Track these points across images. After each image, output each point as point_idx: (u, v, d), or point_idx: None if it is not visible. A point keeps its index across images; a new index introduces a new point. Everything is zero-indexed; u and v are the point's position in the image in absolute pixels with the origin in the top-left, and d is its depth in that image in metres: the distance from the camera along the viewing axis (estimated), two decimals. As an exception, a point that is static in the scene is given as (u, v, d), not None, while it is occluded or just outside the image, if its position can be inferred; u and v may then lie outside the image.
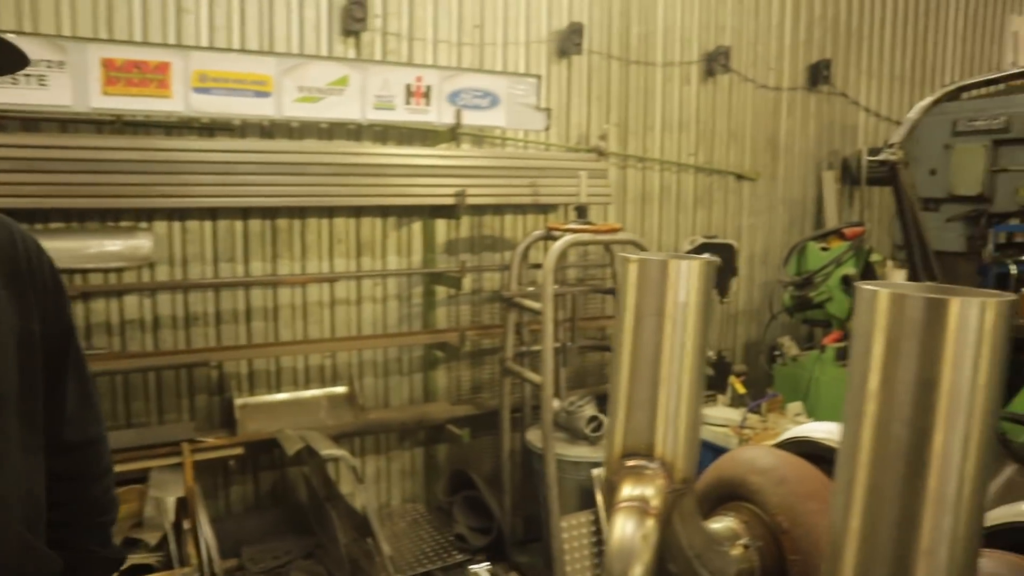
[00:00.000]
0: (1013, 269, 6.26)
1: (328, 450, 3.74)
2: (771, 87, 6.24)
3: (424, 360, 4.88)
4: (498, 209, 4.95)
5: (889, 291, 0.74)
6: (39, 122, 3.76)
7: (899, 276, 5.80)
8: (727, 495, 1.46)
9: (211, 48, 3.94)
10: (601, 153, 5.03)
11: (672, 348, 1.11)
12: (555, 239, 4.07)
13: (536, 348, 4.64)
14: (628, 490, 1.22)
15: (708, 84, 5.85)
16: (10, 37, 1.16)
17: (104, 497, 1.48)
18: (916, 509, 0.73)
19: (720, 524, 1.35)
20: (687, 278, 1.09)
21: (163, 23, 3.96)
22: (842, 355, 4.98)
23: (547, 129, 4.85)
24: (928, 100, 1.98)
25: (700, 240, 5.02)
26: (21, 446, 1.23)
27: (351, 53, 4.40)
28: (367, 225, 4.61)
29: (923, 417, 0.72)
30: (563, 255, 4.54)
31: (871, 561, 0.79)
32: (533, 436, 4.40)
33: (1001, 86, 7.12)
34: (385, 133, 4.54)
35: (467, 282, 4.88)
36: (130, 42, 3.79)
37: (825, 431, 1.40)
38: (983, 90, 7.42)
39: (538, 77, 4.72)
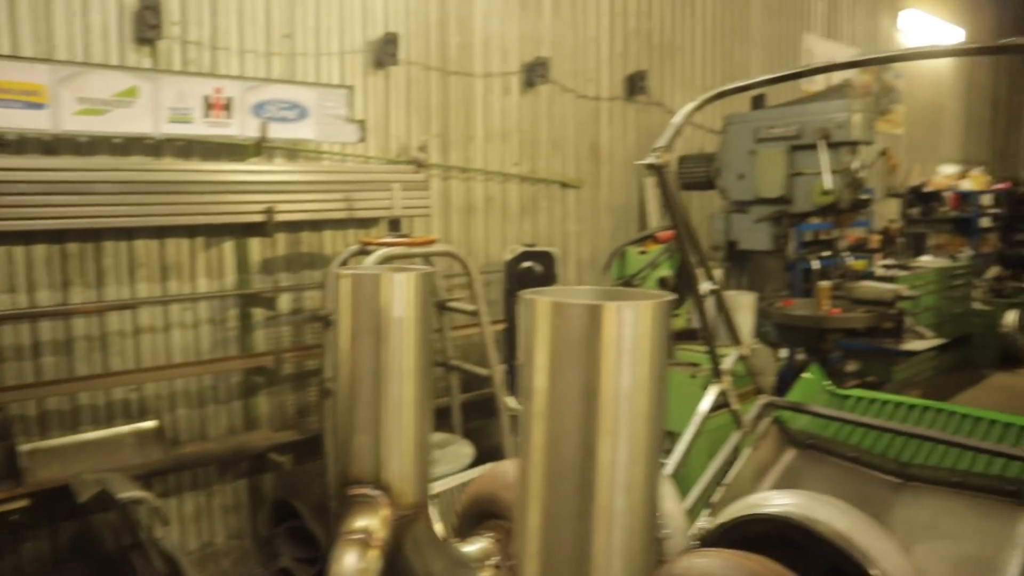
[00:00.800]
0: (815, 264, 6.77)
1: (126, 492, 3.42)
2: (591, 97, 6.43)
3: (243, 386, 4.62)
4: (316, 225, 4.78)
5: (549, 300, 0.71)
6: None
7: (719, 276, 6.13)
8: (485, 513, 1.41)
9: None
10: (421, 165, 4.97)
11: (391, 367, 1.04)
12: (369, 254, 3.96)
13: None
14: (351, 521, 1.14)
15: (529, 95, 5.94)
16: None
17: None
18: (588, 525, 0.69)
19: (473, 546, 1.30)
20: (402, 292, 1.02)
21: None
22: (663, 354, 5.16)
23: (361, 141, 4.74)
24: (691, 106, 2.06)
25: (520, 248, 5.06)
26: None
27: (146, 62, 4.10)
28: (172, 246, 4.31)
29: (588, 431, 0.68)
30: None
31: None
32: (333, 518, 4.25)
33: (798, 95, 7.69)
34: (189, 148, 4.27)
35: (285, 302, 4.70)
36: None
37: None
38: (782, 99, 8.00)
39: (349, 88, 4.60)
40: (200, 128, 4.07)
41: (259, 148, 4.28)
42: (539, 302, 0.72)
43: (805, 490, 1.58)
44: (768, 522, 1.37)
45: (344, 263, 4.30)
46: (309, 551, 4.30)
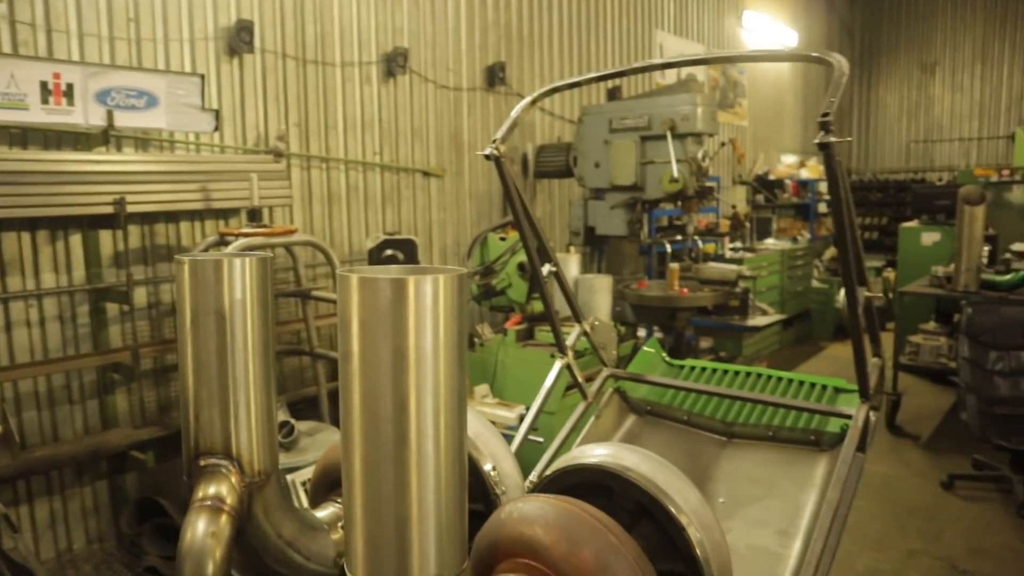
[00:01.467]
0: (668, 247, 7.19)
1: (-29, 498, 3.28)
2: (451, 87, 6.54)
3: (98, 384, 4.47)
4: (172, 216, 4.67)
5: (359, 275, 0.82)
6: None
7: (573, 260, 6.41)
8: (334, 482, 1.51)
9: None
10: (279, 154, 4.94)
11: (234, 345, 1.12)
12: (228, 244, 3.93)
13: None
14: (202, 490, 1.22)
15: (389, 84, 5.99)
16: None
17: None
18: (404, 469, 0.80)
19: (324, 511, 1.39)
20: (242, 275, 1.11)
21: None
22: (523, 336, 5.38)
23: (216, 130, 4.65)
24: (526, 100, 2.21)
25: (382, 237, 5.13)
26: None
27: (-28, 47, 3.89)
28: (10, 240, 4.11)
29: (400, 386, 0.79)
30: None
31: (377, 532, 0.84)
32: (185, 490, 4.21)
33: (651, 88, 8.11)
34: (24, 136, 4.07)
35: (140, 295, 4.57)
36: None
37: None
38: (633, 92, 8.40)
39: (201, 76, 4.51)
40: (37, 115, 3.89)
41: (106, 137, 4.13)
42: (351, 277, 0.82)
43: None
44: (585, 471, 1.53)
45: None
46: (176, 548, 4.23)
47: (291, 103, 5.31)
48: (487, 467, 1.64)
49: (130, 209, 4.12)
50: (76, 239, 4.32)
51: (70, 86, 3.97)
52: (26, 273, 4.15)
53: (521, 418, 4.48)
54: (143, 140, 4.51)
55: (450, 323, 0.85)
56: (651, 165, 6.21)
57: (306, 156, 5.44)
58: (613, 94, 8.12)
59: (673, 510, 1.30)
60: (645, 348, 3.29)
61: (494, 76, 6.87)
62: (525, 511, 1.27)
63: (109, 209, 4.07)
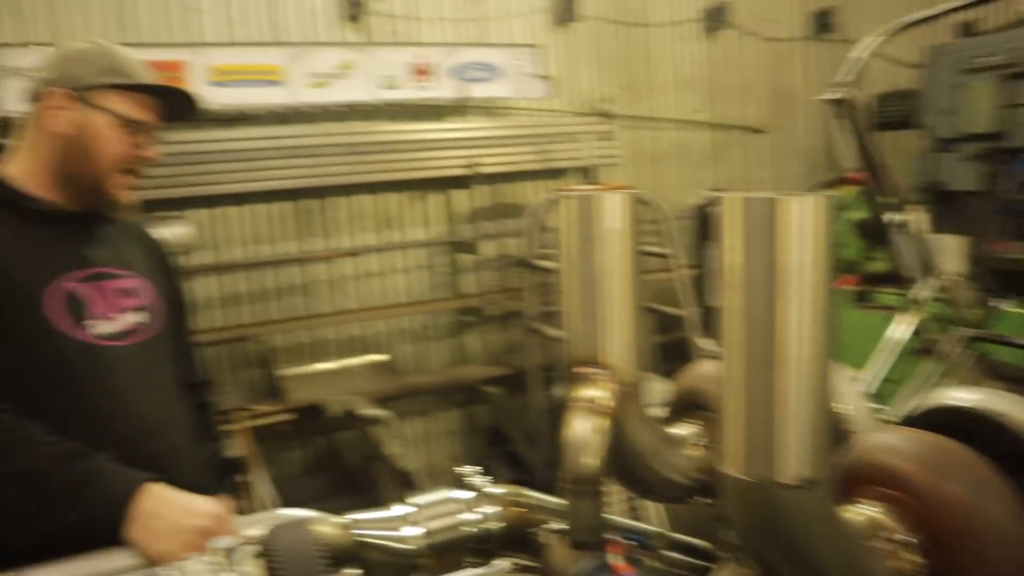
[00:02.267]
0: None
1: (367, 410, 4.00)
2: (775, 39, 6.29)
3: (456, 325, 5.10)
4: (510, 177, 5.13)
5: (740, 196, 0.94)
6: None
7: (922, 218, 5.87)
8: (688, 405, 1.64)
9: (221, 44, 4.23)
10: (607, 116, 5.17)
11: (606, 267, 1.29)
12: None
13: (559, 308, 4.84)
14: (580, 392, 1.41)
15: (711, 40, 5.93)
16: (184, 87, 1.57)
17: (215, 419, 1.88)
18: (771, 368, 0.91)
19: (682, 429, 1.52)
20: (612, 208, 1.26)
21: (174, 24, 4.26)
22: (860, 298, 5.08)
23: (551, 96, 5.00)
24: (876, 38, 2.12)
25: (707, 195, 5.15)
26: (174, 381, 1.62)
27: (357, 37, 4.61)
28: (387, 200, 4.84)
29: (770, 293, 0.91)
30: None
31: (752, 406, 0.96)
32: (562, 391, 4.60)
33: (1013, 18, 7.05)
34: (397, 111, 4.75)
35: (489, 248, 5.11)
36: (144, 43, 4.06)
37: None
38: (993, 24, 7.35)
39: (536, 47, 4.87)
40: (408, 92, 4.53)
41: (459, 108, 4.67)
42: (733, 199, 0.95)
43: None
44: (950, 413, 1.48)
45: (541, 212, 4.62)
46: (521, 473, 4.75)
47: (616, 65, 5.51)
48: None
49: (479, 171, 4.63)
50: (435, 198, 4.95)
51: (431, 65, 4.55)
52: (399, 228, 4.87)
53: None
54: (487, 109, 5.00)
55: (817, 242, 0.92)
56: (1019, 109, 5.44)
57: (632, 117, 5.61)
58: (968, 29, 7.19)
59: None
60: (1007, 308, 2.99)
61: (823, 23, 6.45)
62: (887, 441, 1.27)
63: (462, 171, 4.61)
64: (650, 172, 5.73)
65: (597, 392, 1.44)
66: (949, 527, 1.05)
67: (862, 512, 1.17)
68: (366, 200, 4.80)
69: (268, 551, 0.99)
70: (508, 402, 5.00)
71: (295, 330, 4.59)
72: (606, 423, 1.42)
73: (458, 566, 1.30)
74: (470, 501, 1.23)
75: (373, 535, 1.20)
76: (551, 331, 4.48)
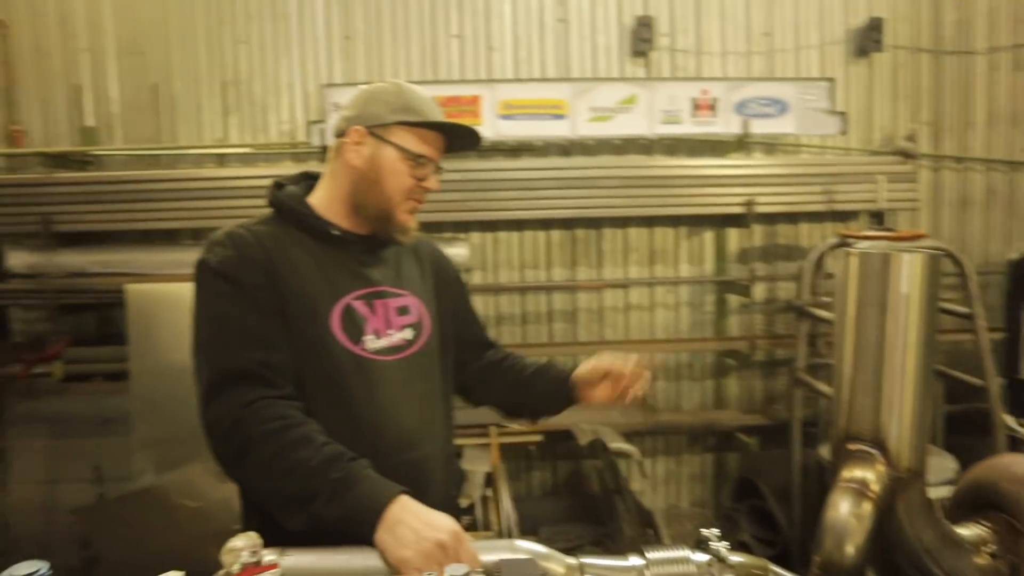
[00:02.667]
0: None
1: (616, 444, 4.00)
2: None
3: (715, 367, 4.96)
4: (791, 217, 4.88)
5: (855, 250, 1.11)
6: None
7: None
8: (982, 503, 1.38)
9: (513, 80, 4.52)
10: (908, 155, 4.73)
11: (895, 337, 1.13)
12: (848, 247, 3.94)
13: (831, 360, 4.50)
14: (848, 472, 1.24)
15: (1047, 70, 5.18)
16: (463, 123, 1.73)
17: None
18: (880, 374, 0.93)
19: (967, 530, 1.31)
20: (909, 270, 1.09)
21: (476, 62, 4.62)
22: None
23: (843, 133, 4.68)
24: None
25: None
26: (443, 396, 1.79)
27: (640, 72, 4.69)
28: (659, 234, 4.84)
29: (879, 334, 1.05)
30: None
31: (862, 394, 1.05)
32: (826, 451, 4.26)
33: None
34: (675, 146, 4.74)
35: (759, 291, 4.89)
36: (448, 81, 4.48)
37: None
38: None
39: (830, 80, 4.59)
40: (687, 127, 4.50)
41: (740, 144, 4.54)
42: (849, 252, 1.15)
43: None
44: None
45: (821, 256, 4.33)
46: (768, 532, 4.45)
47: (923, 99, 5.03)
48: None
49: (757, 210, 4.45)
50: (708, 235, 4.86)
51: (714, 100, 4.48)
52: (668, 263, 4.84)
53: None
54: (771, 145, 4.81)
55: (926, 293, 1.06)
56: None
57: (937, 156, 5.08)
58: None
59: None
60: None
61: None
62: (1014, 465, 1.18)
63: (739, 209, 4.47)
64: (954, 219, 5.13)
65: (869, 475, 1.25)
66: None
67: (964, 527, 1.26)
68: (638, 233, 4.84)
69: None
70: (763, 454, 4.72)
71: (558, 355, 4.73)
72: (873, 510, 1.23)
73: None
74: (706, 565, 1.18)
75: None
76: (820, 385, 4.16)
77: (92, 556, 3.75)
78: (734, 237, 4.87)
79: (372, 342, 1.60)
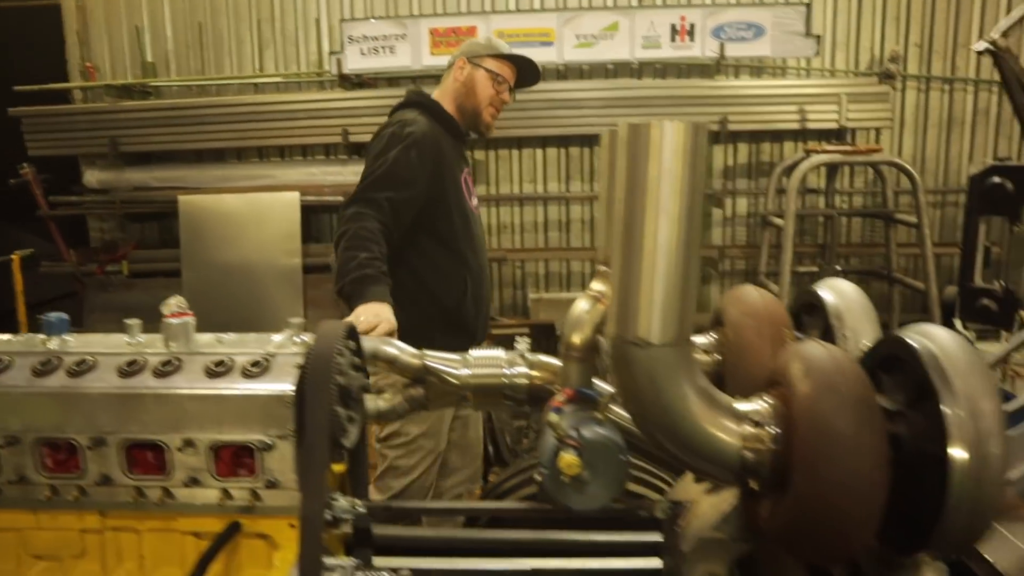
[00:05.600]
0: None
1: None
2: None
3: (702, 277, 5.40)
4: (776, 136, 5.20)
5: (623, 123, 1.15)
6: (398, 80, 5.14)
7: None
8: (718, 321, 1.86)
9: (505, 11, 5.02)
10: (889, 76, 4.96)
11: (655, 208, 1.13)
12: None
13: (801, 269, 4.92)
14: (594, 284, 1.76)
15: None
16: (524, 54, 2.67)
17: None
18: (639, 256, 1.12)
19: (749, 404, 1.37)
20: (671, 139, 1.09)
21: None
22: None
23: (816, 55, 4.95)
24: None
25: (989, 163, 4.67)
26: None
27: (623, 1, 5.06)
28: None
29: (639, 203, 1.10)
30: (829, 176, 4.76)
31: (623, 280, 1.14)
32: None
33: None
34: (665, 70, 5.13)
35: (742, 205, 5.29)
36: (447, 14, 4.99)
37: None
38: None
39: (807, 4, 4.85)
40: (667, 52, 4.88)
41: (717, 66, 4.90)
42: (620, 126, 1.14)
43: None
44: (892, 343, 1.48)
45: (789, 169, 4.70)
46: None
47: (913, 21, 5.20)
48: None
49: (731, 127, 4.84)
50: (694, 154, 5.24)
51: (692, 26, 4.83)
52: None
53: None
54: (757, 68, 5.13)
55: (679, 156, 1.07)
56: None
57: (925, 78, 5.27)
58: None
59: (943, 400, 1.12)
60: None
61: None
62: (800, 348, 1.27)
63: (714, 127, 4.86)
64: (938, 139, 5.34)
65: (607, 288, 1.73)
66: (798, 422, 1.12)
67: (750, 401, 1.25)
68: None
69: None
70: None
71: (549, 259, 5.30)
72: (602, 310, 1.72)
73: (496, 406, 1.82)
74: (510, 360, 1.67)
75: (436, 367, 1.78)
76: (772, 286, 4.58)
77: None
78: (719, 153, 5.23)
79: (472, 201, 2.60)
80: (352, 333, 1.60)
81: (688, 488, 1.61)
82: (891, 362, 1.27)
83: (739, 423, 1.22)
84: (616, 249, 1.15)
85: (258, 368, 1.45)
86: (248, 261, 4.94)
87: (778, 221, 4.51)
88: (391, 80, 5.16)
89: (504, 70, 2.54)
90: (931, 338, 1.19)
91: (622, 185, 1.11)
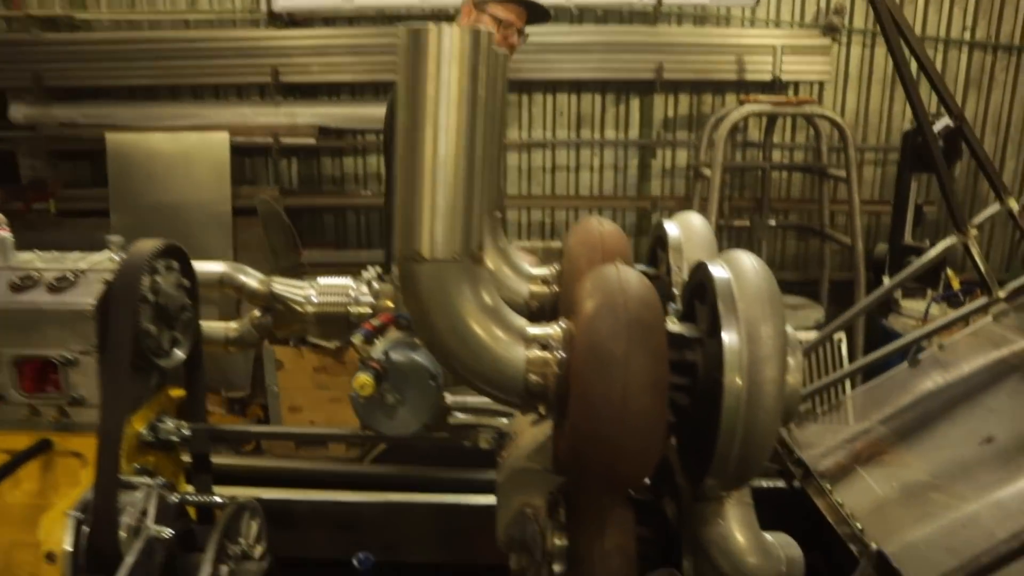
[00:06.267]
0: None
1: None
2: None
3: (637, 227, 5.37)
4: (719, 87, 5.13)
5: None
6: (334, 20, 5.02)
7: None
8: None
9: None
10: (832, 29, 4.90)
11: (434, 117, 1.07)
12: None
13: (737, 224, 4.93)
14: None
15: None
16: None
17: None
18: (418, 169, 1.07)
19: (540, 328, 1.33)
20: (449, 45, 1.01)
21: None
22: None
23: (756, 4, 4.87)
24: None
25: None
26: None
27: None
28: (587, 101, 5.19)
29: (420, 110, 1.03)
30: (767, 130, 4.73)
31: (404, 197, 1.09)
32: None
33: None
34: (606, 16, 5.04)
35: (682, 157, 5.25)
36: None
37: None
38: None
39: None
40: (605, -2, 4.79)
41: (656, 13, 4.82)
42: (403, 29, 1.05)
43: None
44: (699, 270, 1.49)
45: (721, 119, 4.66)
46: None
47: (862, -28, 5.11)
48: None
49: (666, 76, 4.78)
50: (635, 103, 5.19)
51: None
52: (594, 128, 5.22)
53: None
54: (701, 17, 5.04)
55: (463, 69, 1.03)
56: None
57: (871, 32, 5.21)
58: None
59: (725, 326, 1.08)
60: None
61: None
62: (595, 271, 1.23)
63: (650, 75, 4.80)
64: (881, 94, 5.31)
65: None
66: (577, 345, 1.08)
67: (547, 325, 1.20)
68: (567, 99, 5.20)
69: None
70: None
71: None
72: None
73: (340, 336, 1.81)
74: (357, 288, 1.69)
75: (283, 293, 1.76)
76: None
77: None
78: (658, 104, 5.17)
79: None
80: (178, 253, 1.57)
81: (519, 419, 1.61)
82: (700, 290, 1.23)
83: (528, 345, 1.16)
84: (399, 162, 1.12)
85: (64, 283, 1.42)
86: (177, 202, 4.85)
87: (708, 172, 4.48)
88: (327, 20, 5.02)
89: (510, 14, 2.60)
90: (732, 265, 1.16)
91: (402, 94, 1.04)
